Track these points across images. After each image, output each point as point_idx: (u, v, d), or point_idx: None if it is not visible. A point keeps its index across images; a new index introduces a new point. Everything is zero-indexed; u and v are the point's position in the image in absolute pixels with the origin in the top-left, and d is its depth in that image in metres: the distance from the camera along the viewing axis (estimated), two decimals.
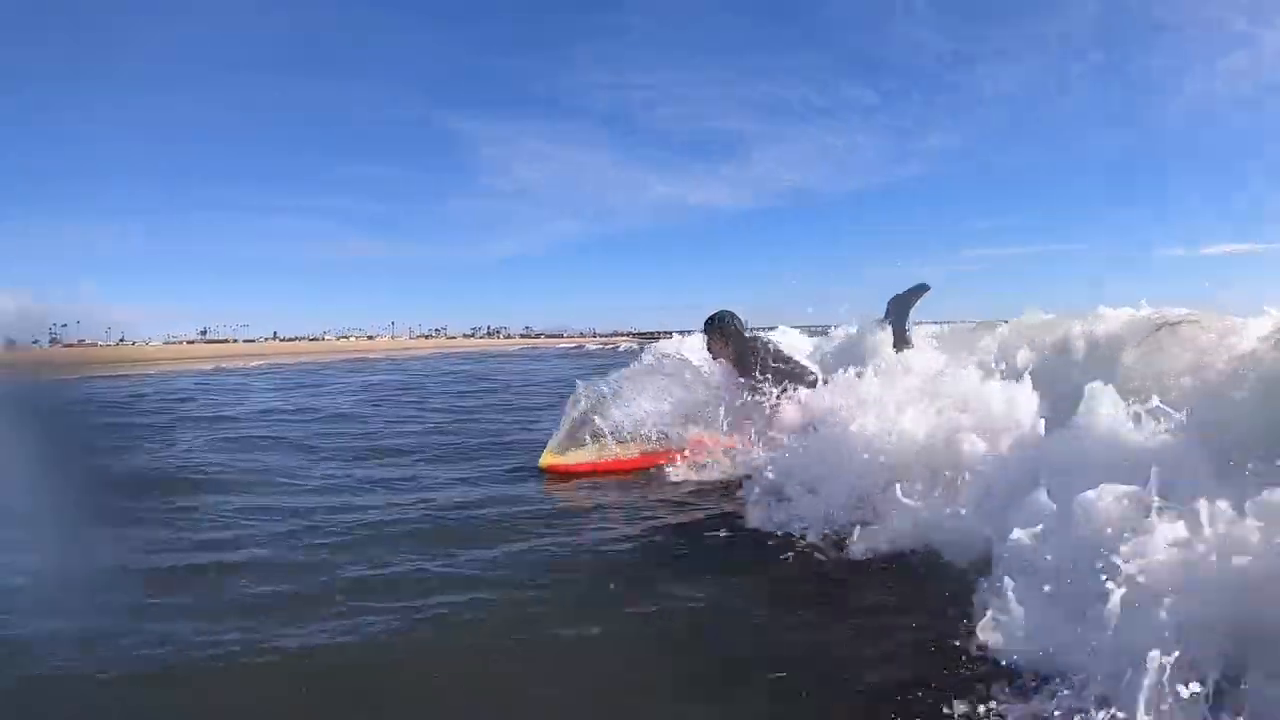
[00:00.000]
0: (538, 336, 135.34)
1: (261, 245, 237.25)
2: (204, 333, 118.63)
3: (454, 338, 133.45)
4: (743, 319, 5.92)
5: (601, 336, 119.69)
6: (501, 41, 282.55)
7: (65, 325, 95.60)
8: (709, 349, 5.79)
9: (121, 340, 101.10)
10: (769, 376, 5.39)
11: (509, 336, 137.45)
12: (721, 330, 5.72)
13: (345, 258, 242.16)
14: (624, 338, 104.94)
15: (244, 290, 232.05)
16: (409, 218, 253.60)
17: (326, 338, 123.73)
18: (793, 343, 7.75)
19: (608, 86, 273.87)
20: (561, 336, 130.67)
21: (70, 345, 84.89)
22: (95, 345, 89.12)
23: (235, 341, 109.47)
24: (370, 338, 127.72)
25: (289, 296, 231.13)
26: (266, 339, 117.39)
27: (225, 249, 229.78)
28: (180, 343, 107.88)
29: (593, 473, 5.34)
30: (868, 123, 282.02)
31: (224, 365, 33.03)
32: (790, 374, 5.46)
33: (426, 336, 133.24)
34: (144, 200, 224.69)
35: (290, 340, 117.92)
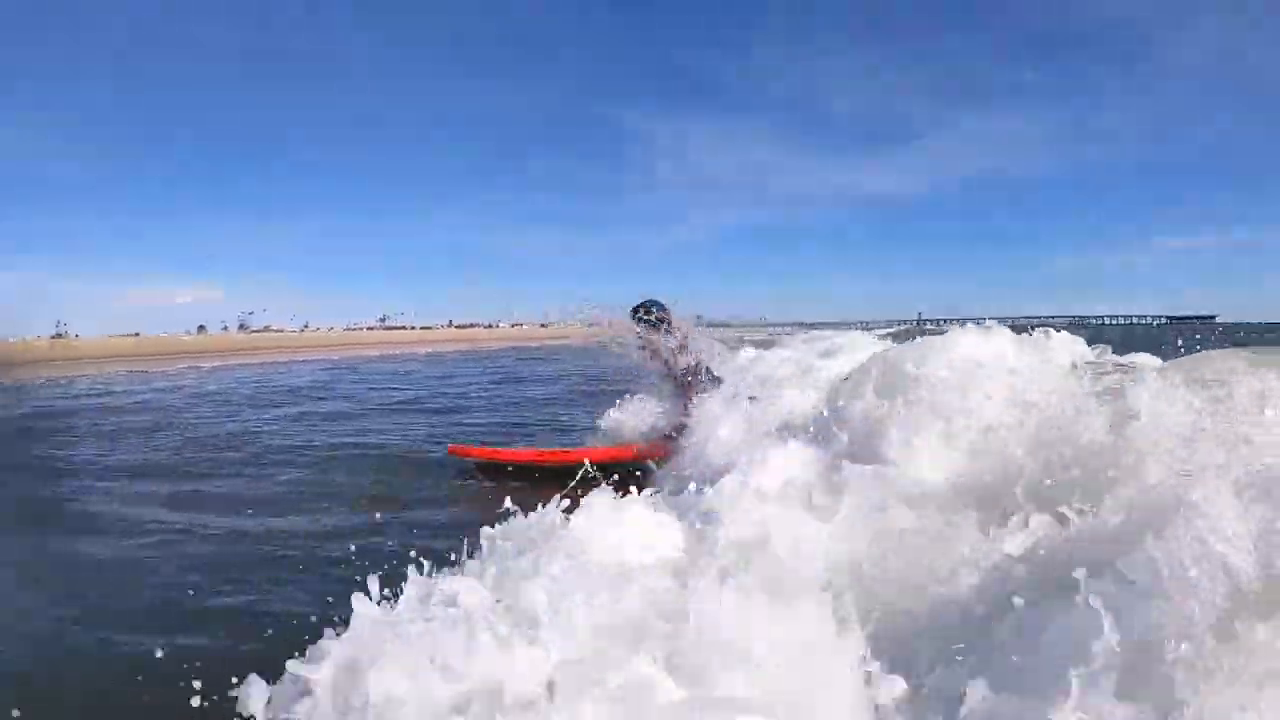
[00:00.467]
0: (708, 325, 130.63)
1: (442, 237, 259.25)
2: (383, 319, 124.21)
3: None
4: (669, 309, 6.29)
5: (775, 327, 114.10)
6: (674, 33, 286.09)
7: (252, 313, 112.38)
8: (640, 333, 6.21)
9: (306, 327, 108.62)
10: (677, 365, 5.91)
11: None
12: (642, 318, 6.18)
13: (518, 249, 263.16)
14: (799, 327, 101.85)
15: (426, 279, 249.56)
16: (584, 210, 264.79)
17: (500, 325, 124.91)
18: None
19: (780, 75, 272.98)
20: (729, 325, 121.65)
21: (256, 331, 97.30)
22: (281, 331, 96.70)
23: (412, 329, 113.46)
24: (544, 325, 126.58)
25: (477, 285, 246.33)
26: (443, 325, 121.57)
27: (408, 241, 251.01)
28: (360, 328, 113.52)
29: (492, 461, 6.09)
30: (1047, 103, 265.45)
31: (392, 352, 37.67)
32: (690, 375, 5.95)
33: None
34: (332, 198, 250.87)
35: (466, 327, 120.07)
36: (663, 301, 6.45)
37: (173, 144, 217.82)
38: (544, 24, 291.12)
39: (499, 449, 6.33)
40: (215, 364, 32.74)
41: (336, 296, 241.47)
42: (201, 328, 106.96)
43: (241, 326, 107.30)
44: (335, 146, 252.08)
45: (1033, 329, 3.80)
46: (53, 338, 78.30)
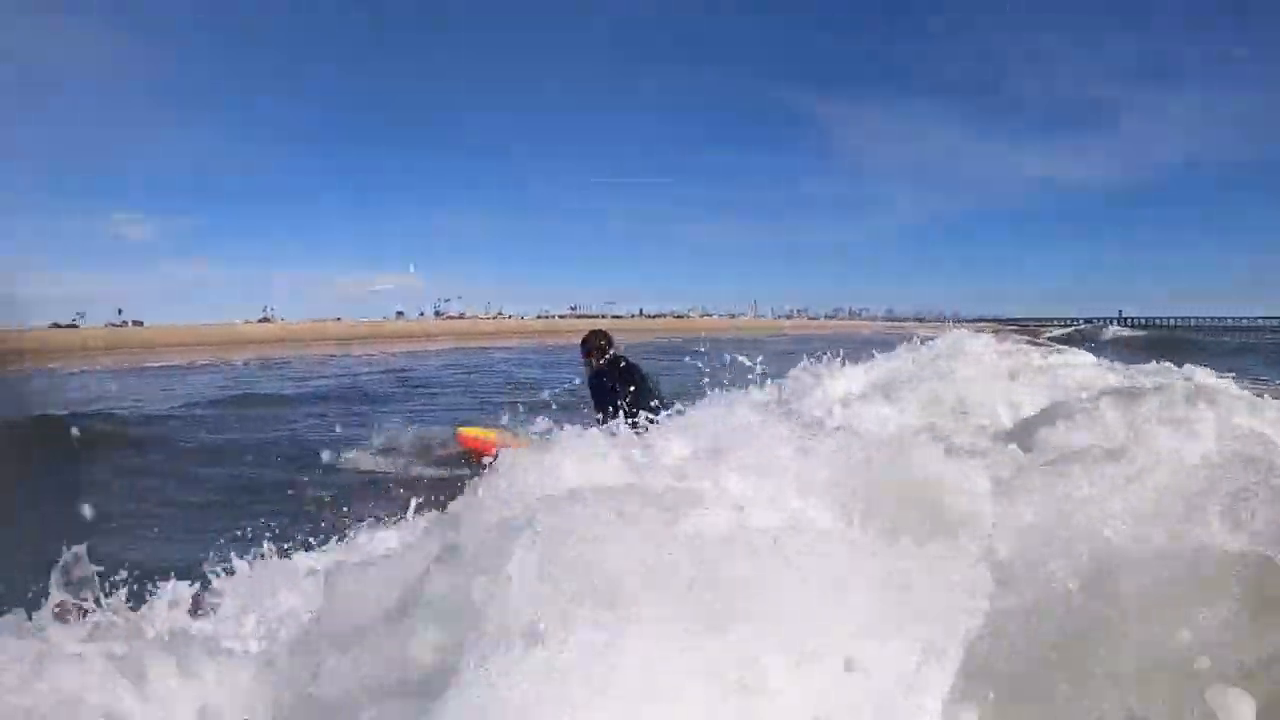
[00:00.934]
0: (900, 321, 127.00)
1: (626, 227, 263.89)
2: (574, 308, 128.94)
3: (815, 319, 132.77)
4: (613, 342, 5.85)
5: (966, 323, 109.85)
6: (850, 15, 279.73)
7: (448, 300, 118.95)
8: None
9: (499, 314, 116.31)
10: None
11: (872, 318, 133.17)
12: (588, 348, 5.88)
13: (708, 239, 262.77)
14: (990, 324, 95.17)
15: (614, 268, 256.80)
16: (769, 200, 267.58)
17: (691, 315, 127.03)
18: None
19: (962, 56, 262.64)
20: (923, 321, 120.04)
21: (450, 318, 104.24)
22: (475, 318, 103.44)
23: (605, 317, 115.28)
24: (732, 316, 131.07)
25: (660, 275, 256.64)
26: (633, 315, 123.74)
27: (590, 231, 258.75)
28: (552, 316, 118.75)
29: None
30: (1255, 81, 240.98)
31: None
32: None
33: (787, 317, 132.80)
34: (525, 188, 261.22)
35: (654, 317, 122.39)
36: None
37: (378, 138, 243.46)
38: (716, 7, 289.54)
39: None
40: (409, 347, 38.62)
41: (528, 285, 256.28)
42: (400, 313, 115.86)
43: (437, 313, 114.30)
44: (522, 137, 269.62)
45: None
46: (260, 321, 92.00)
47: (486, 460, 3.32)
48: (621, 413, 4.57)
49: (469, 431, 7.27)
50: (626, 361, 5.84)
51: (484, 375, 19.74)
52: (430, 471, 6.97)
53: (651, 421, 4.18)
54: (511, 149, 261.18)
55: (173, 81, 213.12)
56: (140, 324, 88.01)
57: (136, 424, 10.15)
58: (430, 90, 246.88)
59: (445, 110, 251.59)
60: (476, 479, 2.17)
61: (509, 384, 15.99)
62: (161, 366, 27.68)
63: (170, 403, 13.87)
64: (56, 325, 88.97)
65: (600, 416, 5.34)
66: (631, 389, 5.22)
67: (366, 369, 23.90)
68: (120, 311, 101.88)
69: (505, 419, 7.62)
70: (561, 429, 3.20)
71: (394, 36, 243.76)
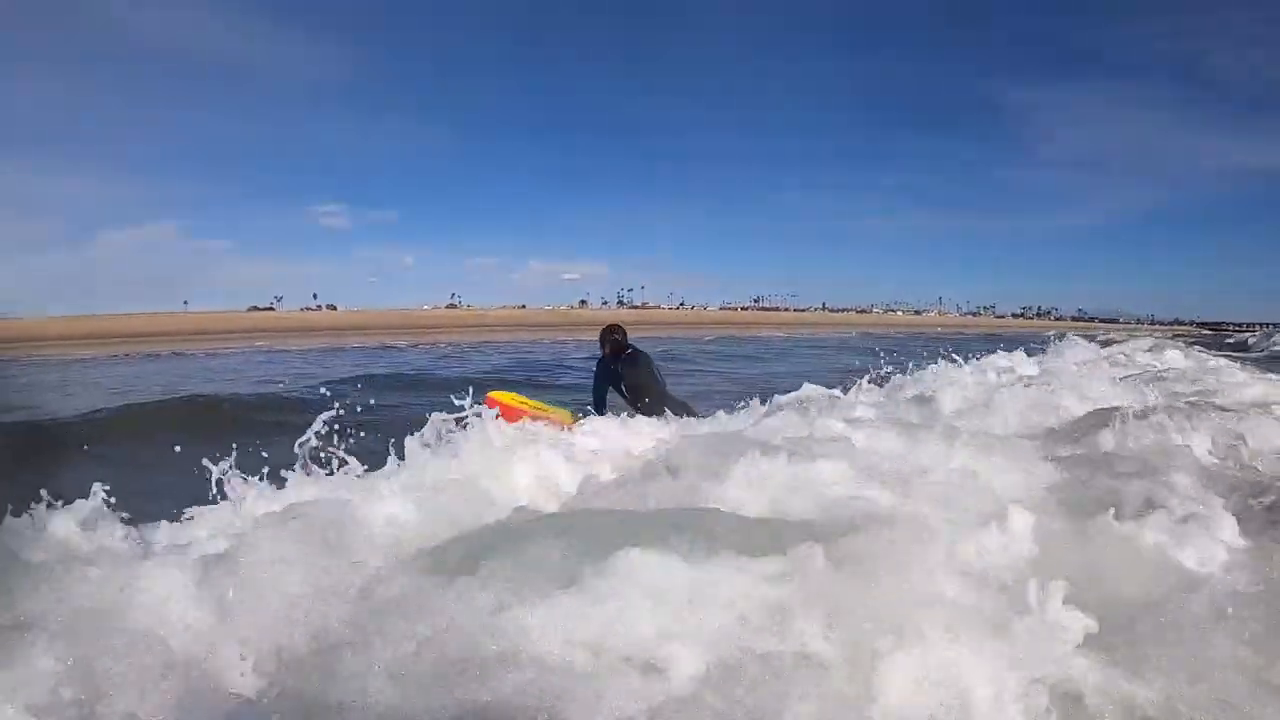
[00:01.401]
0: (1091, 320, 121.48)
1: (815, 220, 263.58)
2: (756, 300, 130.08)
3: (1002, 317, 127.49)
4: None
5: (1161, 325, 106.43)
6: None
7: (631, 290, 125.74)
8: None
9: (681, 305, 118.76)
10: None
11: (1059, 319, 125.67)
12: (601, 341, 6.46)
13: (895, 232, 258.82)
14: (1186, 327, 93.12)
15: (798, 260, 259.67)
16: (957, 192, 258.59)
17: (874, 310, 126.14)
18: None
19: (1169, 35, 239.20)
20: (1116, 322, 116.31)
21: (635, 307, 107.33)
22: (659, 308, 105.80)
23: (783, 310, 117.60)
24: (917, 312, 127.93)
25: (845, 268, 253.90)
26: (815, 309, 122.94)
27: (779, 224, 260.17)
28: (734, 308, 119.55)
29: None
30: None
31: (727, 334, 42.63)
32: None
33: (974, 314, 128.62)
34: (707, 180, 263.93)
35: (839, 311, 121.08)
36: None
37: (566, 130, 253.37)
38: None
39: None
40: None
41: (712, 277, 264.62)
42: (583, 302, 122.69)
43: (620, 302, 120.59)
44: (710, 128, 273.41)
45: None
46: (447, 307, 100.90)
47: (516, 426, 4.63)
48: (623, 396, 6.23)
49: (500, 396, 6.82)
50: (634, 350, 6.47)
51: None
52: None
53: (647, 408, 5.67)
54: (699, 141, 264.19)
55: (370, 81, 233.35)
56: (334, 308, 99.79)
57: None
58: (619, 85, 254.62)
59: (632, 103, 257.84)
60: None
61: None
62: (356, 347, 30.87)
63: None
64: (255, 308, 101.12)
65: (594, 400, 6.34)
66: (635, 381, 6.20)
67: (533, 351, 25.57)
68: (315, 296, 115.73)
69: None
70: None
71: (584, 35, 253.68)
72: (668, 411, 5.69)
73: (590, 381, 6.71)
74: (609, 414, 5.87)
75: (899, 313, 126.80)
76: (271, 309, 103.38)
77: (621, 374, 6.31)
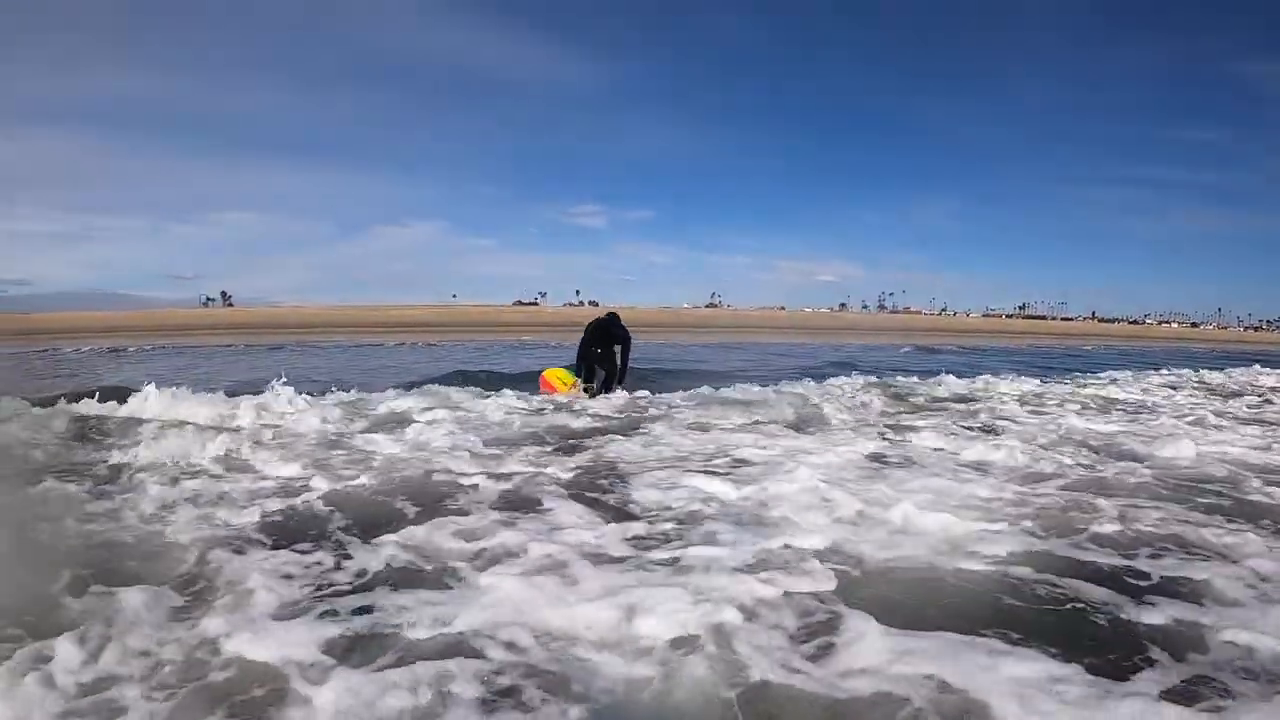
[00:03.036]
0: None
1: (1086, 218, 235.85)
2: (1022, 307, 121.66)
3: None
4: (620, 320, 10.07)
5: None
6: None
7: (892, 293, 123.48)
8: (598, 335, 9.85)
9: (944, 310, 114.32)
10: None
11: None
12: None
13: (1171, 233, 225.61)
14: None
15: (1068, 265, 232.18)
16: (1244, 189, 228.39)
17: (1148, 321, 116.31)
18: None
19: None
20: None
21: (895, 312, 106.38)
22: (919, 313, 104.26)
23: (1051, 319, 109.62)
24: (1194, 325, 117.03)
25: (1117, 276, 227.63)
26: (1085, 318, 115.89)
27: (1048, 222, 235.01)
28: (999, 315, 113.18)
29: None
30: None
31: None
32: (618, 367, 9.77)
33: (1254, 328, 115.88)
34: (969, 175, 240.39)
35: (1109, 321, 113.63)
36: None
37: (822, 129, 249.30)
38: None
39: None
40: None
41: (977, 280, 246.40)
42: (843, 305, 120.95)
43: (881, 306, 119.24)
44: (973, 124, 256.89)
45: None
46: (707, 306, 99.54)
47: (557, 397, 9.29)
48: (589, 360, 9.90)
49: (548, 374, 10.49)
50: (614, 328, 9.89)
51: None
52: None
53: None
54: (963, 138, 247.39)
55: (625, 85, 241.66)
56: (595, 304, 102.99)
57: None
58: (871, 81, 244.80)
59: (887, 97, 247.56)
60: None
61: None
62: None
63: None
64: (519, 303, 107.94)
65: (577, 367, 9.96)
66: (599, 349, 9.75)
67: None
68: (577, 293, 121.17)
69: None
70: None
71: (836, 30, 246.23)
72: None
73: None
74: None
75: (1173, 324, 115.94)
76: (535, 304, 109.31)
77: (594, 345, 9.90)
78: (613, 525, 4.02)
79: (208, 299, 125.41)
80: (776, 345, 31.98)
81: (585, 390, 9.67)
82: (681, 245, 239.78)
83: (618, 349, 9.93)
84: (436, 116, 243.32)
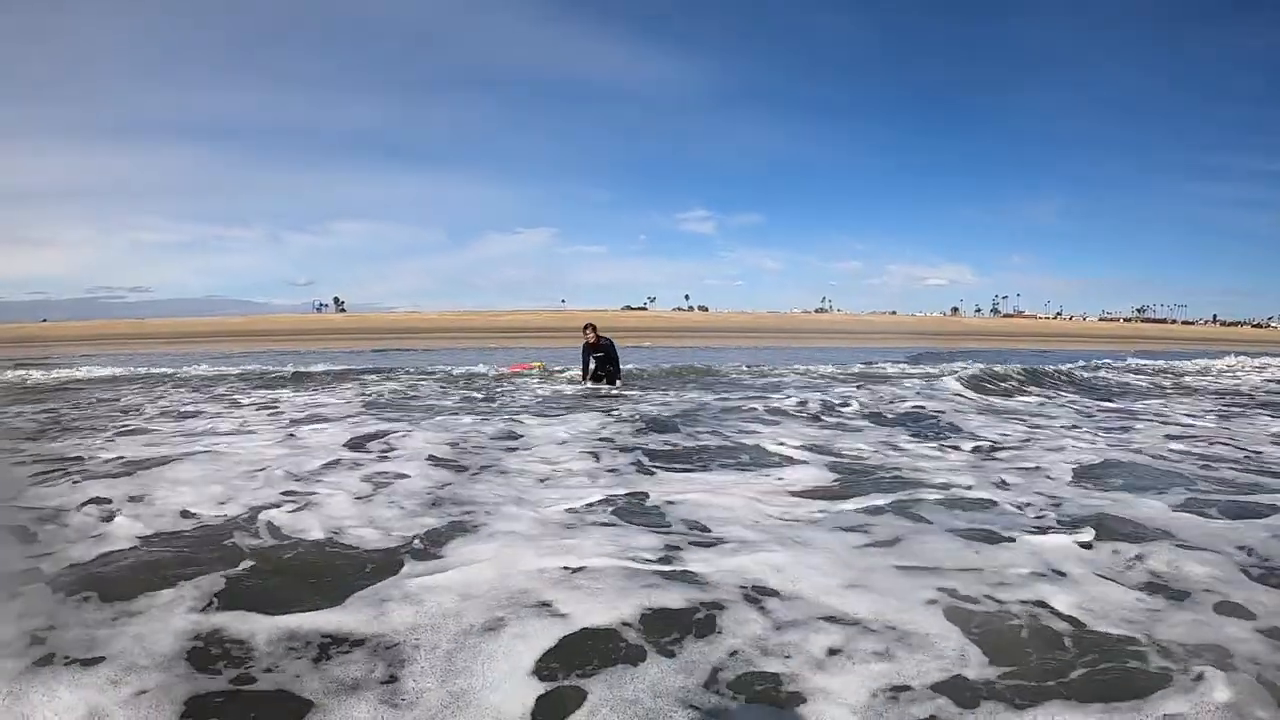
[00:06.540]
0: None
1: (1217, 215, 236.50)
2: (1140, 310, 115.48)
3: None
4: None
5: None
6: None
7: (1005, 297, 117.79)
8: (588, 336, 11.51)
9: (1059, 314, 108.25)
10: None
11: None
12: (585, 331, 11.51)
13: None
14: None
15: (1189, 268, 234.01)
16: None
17: (1274, 325, 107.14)
18: None
19: None
20: None
21: (1009, 316, 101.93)
22: (1034, 318, 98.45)
23: (1173, 322, 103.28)
24: None
25: (1235, 275, 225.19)
26: (1205, 321, 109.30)
27: (1163, 220, 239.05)
28: (1116, 319, 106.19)
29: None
30: None
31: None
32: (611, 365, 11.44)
33: None
34: (1079, 181, 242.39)
35: (1230, 324, 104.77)
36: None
37: (931, 131, 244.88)
38: None
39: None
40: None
41: (1089, 282, 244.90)
42: (955, 309, 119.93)
43: (994, 310, 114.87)
44: (1086, 121, 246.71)
45: None
46: (817, 310, 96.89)
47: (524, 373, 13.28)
48: (593, 367, 11.41)
49: (518, 366, 14.20)
50: (605, 340, 11.53)
51: None
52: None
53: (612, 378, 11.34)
54: (1077, 137, 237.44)
55: (733, 92, 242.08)
56: (705, 309, 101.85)
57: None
58: (982, 80, 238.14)
59: (999, 99, 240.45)
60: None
61: None
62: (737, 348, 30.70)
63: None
64: (629, 307, 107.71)
65: (582, 370, 11.61)
66: (601, 356, 11.37)
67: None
68: (687, 297, 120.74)
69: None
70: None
71: (926, 31, 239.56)
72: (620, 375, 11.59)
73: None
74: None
75: None
76: (644, 308, 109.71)
77: (595, 356, 11.51)
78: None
79: (320, 304, 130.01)
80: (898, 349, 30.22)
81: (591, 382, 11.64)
82: (790, 250, 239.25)
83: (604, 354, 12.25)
84: (544, 124, 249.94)
